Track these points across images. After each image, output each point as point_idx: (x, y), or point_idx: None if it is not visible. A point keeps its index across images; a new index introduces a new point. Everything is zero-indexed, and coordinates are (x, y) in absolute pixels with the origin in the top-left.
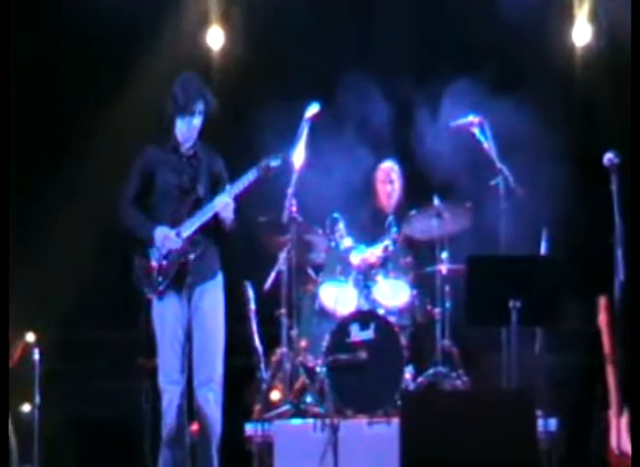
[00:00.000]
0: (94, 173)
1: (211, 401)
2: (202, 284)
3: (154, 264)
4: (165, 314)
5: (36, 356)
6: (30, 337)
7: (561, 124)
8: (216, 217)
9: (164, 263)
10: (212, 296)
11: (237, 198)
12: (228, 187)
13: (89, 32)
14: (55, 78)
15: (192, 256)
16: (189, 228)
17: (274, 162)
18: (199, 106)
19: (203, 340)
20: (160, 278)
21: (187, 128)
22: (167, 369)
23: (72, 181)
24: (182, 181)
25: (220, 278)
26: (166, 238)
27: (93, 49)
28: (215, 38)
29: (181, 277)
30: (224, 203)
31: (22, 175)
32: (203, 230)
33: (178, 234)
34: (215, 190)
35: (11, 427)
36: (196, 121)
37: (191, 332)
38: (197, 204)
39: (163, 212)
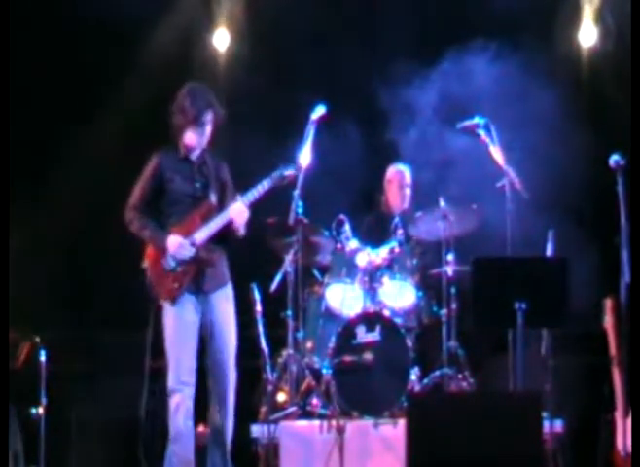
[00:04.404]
0: (104, 173)
1: (229, 403)
2: (216, 291)
3: (167, 270)
4: (179, 318)
5: (42, 358)
6: (36, 338)
7: (569, 125)
8: (228, 225)
9: (179, 269)
10: (226, 302)
11: (249, 207)
12: (239, 196)
13: (97, 34)
14: (66, 79)
15: (207, 263)
16: (203, 234)
17: (288, 172)
18: (209, 116)
19: (220, 344)
20: (175, 285)
21: (198, 139)
22: (179, 370)
23: (74, 181)
24: (195, 189)
25: (230, 285)
26: (180, 247)
27: (101, 50)
28: (221, 40)
29: (196, 284)
30: (239, 211)
31: (24, 173)
32: (215, 237)
33: (192, 244)
34: (223, 196)
35: (17, 429)
36: (207, 130)
37: (205, 337)
38: (210, 211)
39: (175, 219)
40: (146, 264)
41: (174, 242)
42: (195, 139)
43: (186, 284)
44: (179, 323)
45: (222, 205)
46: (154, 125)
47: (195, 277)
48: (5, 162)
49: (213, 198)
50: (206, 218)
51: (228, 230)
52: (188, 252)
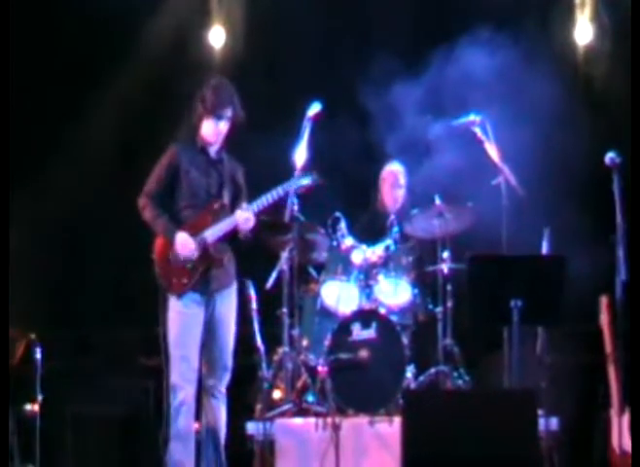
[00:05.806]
0: (99, 170)
1: (222, 401)
2: (222, 291)
3: (175, 265)
4: (185, 315)
5: (38, 355)
6: (32, 335)
7: (566, 121)
8: (233, 230)
9: (189, 266)
10: (230, 302)
11: (257, 214)
12: (245, 205)
13: (93, 29)
14: (63, 73)
15: (217, 262)
16: (214, 234)
17: (304, 181)
18: (227, 112)
19: (221, 344)
20: (184, 280)
21: (212, 131)
22: (185, 367)
23: (71, 182)
24: (209, 184)
25: (236, 285)
26: (186, 246)
27: (97, 46)
28: (217, 37)
29: (203, 282)
30: (244, 218)
31: (20, 173)
32: (224, 238)
33: (202, 241)
34: (237, 199)
35: (12, 426)
36: (222, 125)
37: (208, 335)
38: (221, 210)
39: (189, 213)
40: (155, 255)
41: (181, 240)
42: (211, 131)
43: (194, 280)
44: (185, 320)
45: (234, 208)
46: (149, 122)
47: (204, 276)
48: (4, 163)
49: (226, 198)
50: (217, 217)
51: (234, 234)
52: (193, 252)
